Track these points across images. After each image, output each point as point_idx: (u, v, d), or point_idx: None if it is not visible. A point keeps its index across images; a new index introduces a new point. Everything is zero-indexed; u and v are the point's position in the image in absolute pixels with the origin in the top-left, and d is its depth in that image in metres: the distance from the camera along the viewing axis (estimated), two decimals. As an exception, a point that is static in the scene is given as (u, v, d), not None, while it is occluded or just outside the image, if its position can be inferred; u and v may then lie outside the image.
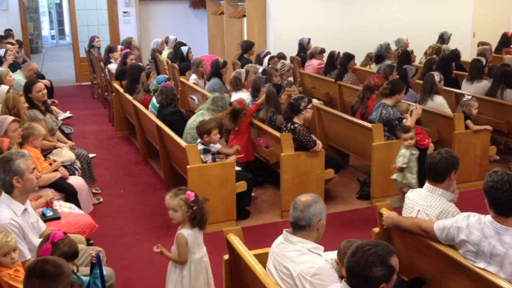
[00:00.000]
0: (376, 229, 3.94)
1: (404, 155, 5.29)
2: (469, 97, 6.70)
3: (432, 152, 3.88)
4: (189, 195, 3.60)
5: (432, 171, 3.72)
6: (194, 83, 8.86)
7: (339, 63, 9.17)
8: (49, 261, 2.72)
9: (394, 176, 5.30)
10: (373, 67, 9.80)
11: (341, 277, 3.18)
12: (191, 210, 3.60)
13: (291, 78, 9.00)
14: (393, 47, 10.57)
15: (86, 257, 3.83)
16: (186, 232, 3.63)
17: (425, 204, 3.71)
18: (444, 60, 8.55)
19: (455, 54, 9.43)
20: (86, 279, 3.34)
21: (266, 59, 9.24)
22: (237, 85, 7.59)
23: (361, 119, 6.68)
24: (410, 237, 3.65)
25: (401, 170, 5.27)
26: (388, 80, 6.95)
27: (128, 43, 10.98)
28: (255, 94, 7.00)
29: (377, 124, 6.11)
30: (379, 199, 5.78)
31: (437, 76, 7.06)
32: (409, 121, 6.15)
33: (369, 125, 6.19)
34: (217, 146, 5.69)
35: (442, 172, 3.69)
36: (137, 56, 10.39)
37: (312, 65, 9.92)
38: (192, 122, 6.27)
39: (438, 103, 7.01)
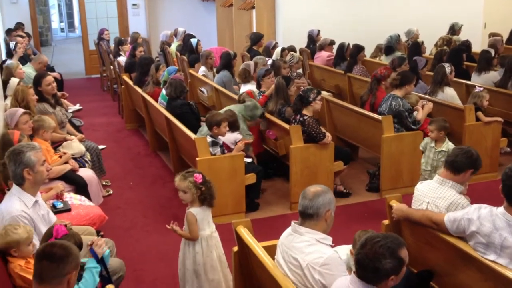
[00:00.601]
0: (386, 222, 3.93)
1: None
2: (481, 88, 6.64)
3: (462, 146, 3.88)
4: (197, 177, 3.77)
5: (452, 161, 3.70)
6: (203, 75, 8.86)
7: (348, 55, 9.12)
8: (57, 244, 2.81)
9: None
10: (383, 59, 9.75)
11: (350, 269, 3.19)
12: (199, 191, 3.78)
13: (300, 70, 8.97)
14: (403, 38, 10.50)
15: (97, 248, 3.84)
16: (194, 210, 3.81)
17: (434, 196, 3.69)
18: (455, 52, 8.48)
19: (466, 45, 9.35)
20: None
21: (277, 50, 9.21)
22: (246, 77, 7.58)
23: (371, 110, 6.66)
24: (420, 229, 3.64)
25: None
26: (398, 72, 6.92)
27: (134, 39, 10.98)
28: (258, 86, 7.00)
29: (387, 116, 6.08)
30: (388, 191, 5.75)
31: (447, 67, 7.01)
32: (420, 114, 6.12)
33: (378, 117, 6.16)
34: (231, 140, 5.69)
35: (462, 165, 3.68)
36: (145, 49, 10.40)
37: (322, 57, 9.87)
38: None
39: (449, 94, 6.96)
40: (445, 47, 9.19)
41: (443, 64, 7.16)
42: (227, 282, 3.96)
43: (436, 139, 5.33)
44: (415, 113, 6.16)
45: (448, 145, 5.28)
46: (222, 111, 6.14)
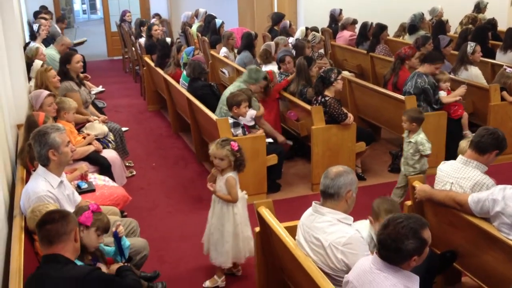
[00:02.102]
0: (409, 202, 3.91)
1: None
2: (510, 69, 6.51)
3: (488, 126, 3.83)
4: (234, 146, 4.04)
5: (478, 142, 3.65)
6: (224, 56, 8.84)
7: (371, 34, 9.01)
8: (53, 210, 3.05)
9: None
10: (407, 38, 9.60)
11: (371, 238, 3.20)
12: (235, 157, 4.04)
13: (322, 50, 8.88)
14: (428, 17, 10.31)
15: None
16: (234, 174, 4.09)
17: (458, 177, 3.66)
18: (480, 30, 8.30)
19: (492, 23, 9.16)
20: (112, 249, 3.42)
21: (302, 29, 9.12)
22: (267, 57, 7.54)
23: (393, 89, 6.59)
24: (443, 210, 3.61)
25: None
26: (421, 51, 6.84)
27: (139, 24, 11.03)
28: (280, 66, 6.98)
29: (410, 96, 6.01)
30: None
31: (470, 46, 6.89)
32: (447, 98, 6.04)
33: (402, 97, 6.09)
34: (247, 119, 5.69)
35: (487, 145, 3.63)
36: (166, 29, 10.41)
37: (344, 36, 9.76)
38: (228, 93, 6.28)
39: (473, 73, 6.85)
40: (470, 26, 9.02)
41: (467, 43, 7.03)
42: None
43: (409, 130, 5.17)
44: (441, 93, 6.07)
45: (417, 137, 5.09)
46: (231, 88, 6.16)
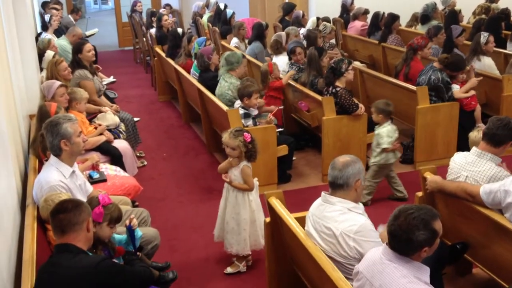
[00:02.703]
0: (420, 193, 3.90)
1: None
2: None
3: (499, 116, 3.78)
4: (247, 137, 4.07)
5: (493, 134, 3.61)
6: (235, 46, 8.82)
7: (383, 24, 8.94)
8: (66, 200, 3.04)
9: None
10: (419, 28, 9.52)
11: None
12: (247, 148, 4.08)
13: (333, 41, 8.84)
14: (440, 6, 10.20)
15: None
16: (248, 163, 4.13)
17: (474, 170, 3.62)
18: (493, 20, 8.21)
19: (505, 13, 9.04)
20: (123, 237, 3.45)
21: (313, 19, 9.07)
22: (278, 48, 7.52)
23: (405, 80, 6.54)
24: (454, 201, 3.59)
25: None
26: (433, 41, 6.76)
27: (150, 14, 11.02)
28: (289, 57, 6.94)
29: (422, 87, 5.97)
30: (423, 163, 5.67)
31: (483, 37, 6.81)
32: (461, 93, 5.98)
33: (413, 87, 6.05)
34: (255, 111, 5.70)
35: (503, 137, 3.58)
36: (177, 20, 10.40)
37: (355, 26, 9.70)
38: (219, 89, 6.31)
39: (486, 64, 6.79)
40: (483, 16, 8.92)
41: (480, 33, 6.96)
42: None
43: (378, 122, 5.23)
44: (455, 87, 6.01)
45: (380, 130, 5.18)
46: (219, 85, 6.22)
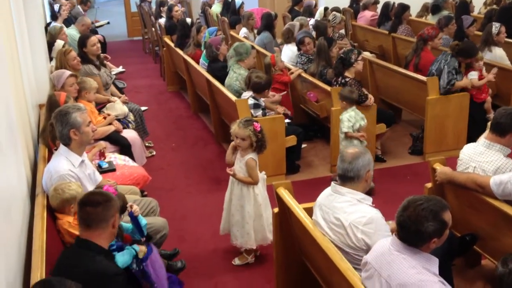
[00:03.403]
0: (429, 184, 3.88)
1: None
2: None
3: (506, 107, 3.75)
4: (256, 126, 4.02)
5: (497, 123, 3.58)
6: (244, 36, 8.79)
7: (393, 14, 8.86)
8: (97, 192, 3.00)
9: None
10: (430, 18, 9.44)
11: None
12: (256, 138, 4.02)
13: (342, 31, 8.78)
14: (451, -4, 10.12)
15: (141, 207, 3.94)
16: (254, 155, 4.07)
17: (481, 160, 3.60)
18: (505, 10, 8.12)
19: (517, 3, 8.94)
20: (130, 226, 3.45)
21: (320, 10, 9.02)
22: (289, 37, 7.49)
23: (414, 70, 6.50)
24: (464, 193, 3.57)
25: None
26: (444, 31, 6.70)
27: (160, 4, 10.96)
28: (299, 48, 6.90)
29: (433, 77, 5.92)
30: (432, 154, 5.66)
31: (495, 27, 6.74)
32: (475, 83, 5.92)
33: (423, 78, 6.01)
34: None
35: (507, 126, 3.55)
36: (186, 10, 10.38)
37: (365, 16, 9.63)
38: (227, 80, 6.32)
39: (497, 55, 6.72)
40: (494, 6, 8.83)
41: (492, 23, 6.89)
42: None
43: (342, 108, 5.38)
44: (473, 74, 5.92)
45: (343, 115, 5.32)
46: (229, 75, 6.20)
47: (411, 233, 2.51)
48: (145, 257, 3.21)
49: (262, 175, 4.18)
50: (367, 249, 2.93)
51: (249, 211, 4.11)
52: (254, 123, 4.04)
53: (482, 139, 3.72)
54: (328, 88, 5.80)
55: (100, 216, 2.82)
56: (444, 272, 2.70)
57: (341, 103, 5.37)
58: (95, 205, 2.82)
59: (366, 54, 7.63)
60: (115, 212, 2.89)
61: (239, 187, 4.14)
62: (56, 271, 2.76)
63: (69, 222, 3.44)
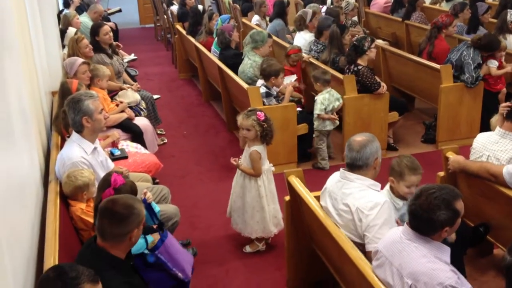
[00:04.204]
0: (441, 173, 3.85)
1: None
2: None
3: None
4: (260, 115, 3.98)
5: (511, 112, 3.55)
6: (256, 24, 8.75)
7: (407, 1, 8.76)
8: (119, 202, 2.72)
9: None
10: (444, 5, 9.33)
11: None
12: (261, 128, 3.98)
13: (355, 18, 8.70)
14: (466, -17, 9.96)
15: (153, 194, 3.96)
16: (259, 148, 4.03)
17: (496, 149, 3.57)
18: (522, -3, 7.99)
19: (534, -11, 8.77)
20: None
21: None
22: (300, 24, 7.43)
23: (428, 59, 6.43)
24: (477, 182, 3.55)
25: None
26: (459, 17, 6.59)
27: None
28: (318, 35, 6.84)
29: (446, 65, 5.86)
30: (445, 142, 5.62)
31: (510, 14, 6.64)
32: (495, 71, 5.85)
33: (437, 66, 5.95)
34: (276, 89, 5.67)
35: None
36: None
37: (378, 3, 9.54)
38: (241, 66, 6.30)
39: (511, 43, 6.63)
40: (510, -8, 8.68)
41: (507, 10, 6.78)
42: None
43: (317, 90, 5.58)
44: (493, 62, 5.84)
45: (317, 97, 5.52)
46: (246, 66, 6.17)
47: (423, 221, 2.50)
48: (159, 244, 3.20)
49: (269, 167, 4.15)
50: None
51: (248, 201, 4.11)
52: (258, 112, 4.00)
53: (497, 128, 3.68)
54: (340, 76, 5.76)
55: (116, 231, 2.66)
56: (457, 262, 2.68)
57: (315, 84, 5.54)
58: (113, 219, 2.66)
59: (379, 42, 7.56)
60: (135, 227, 2.69)
61: (242, 176, 4.15)
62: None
63: (82, 209, 3.47)
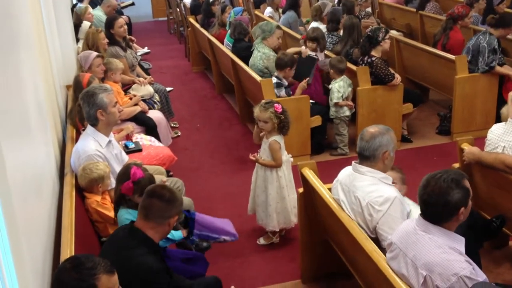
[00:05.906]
0: (456, 165, 3.83)
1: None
2: None
3: None
4: (277, 107, 3.99)
5: None
6: (269, 16, 8.73)
7: (421, -8, 8.68)
8: (167, 187, 2.95)
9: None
10: (458, -5, 9.22)
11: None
12: (279, 120, 3.99)
13: (369, 9, 8.65)
14: (481, -28, 9.83)
15: (167, 187, 3.99)
16: (278, 138, 4.06)
17: (511, 140, 3.54)
18: (538, -14, 7.89)
19: (551, -21, 8.65)
20: None
21: None
22: (317, 15, 7.40)
23: (442, 50, 6.37)
24: (492, 173, 3.52)
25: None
26: (475, 7, 6.53)
27: None
28: (334, 27, 6.79)
29: (461, 56, 5.81)
30: (460, 134, 5.58)
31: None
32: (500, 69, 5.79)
33: (452, 56, 5.89)
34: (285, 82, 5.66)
35: None
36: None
37: (392, -6, 9.46)
38: (252, 59, 6.28)
39: (528, 33, 6.53)
40: (527, -19, 8.56)
41: (524, -1, 6.71)
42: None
43: (332, 77, 5.68)
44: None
45: (334, 84, 5.62)
46: (254, 54, 6.20)
47: (439, 206, 2.47)
48: (191, 224, 3.33)
49: (287, 158, 4.17)
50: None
51: (271, 193, 4.13)
52: (275, 104, 4.01)
53: (510, 119, 3.64)
54: (354, 67, 5.73)
55: (162, 211, 2.78)
56: (472, 255, 2.66)
57: (330, 71, 5.65)
58: (162, 200, 2.78)
59: (393, 33, 7.51)
60: (176, 213, 2.84)
61: (263, 169, 4.16)
62: (104, 251, 2.83)
63: (97, 201, 3.51)
